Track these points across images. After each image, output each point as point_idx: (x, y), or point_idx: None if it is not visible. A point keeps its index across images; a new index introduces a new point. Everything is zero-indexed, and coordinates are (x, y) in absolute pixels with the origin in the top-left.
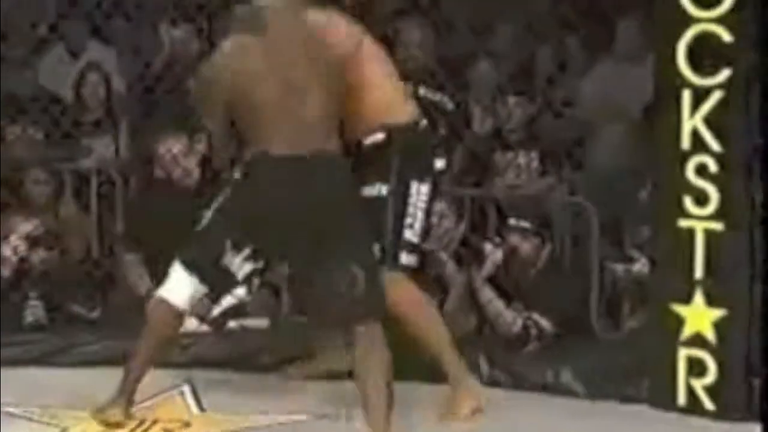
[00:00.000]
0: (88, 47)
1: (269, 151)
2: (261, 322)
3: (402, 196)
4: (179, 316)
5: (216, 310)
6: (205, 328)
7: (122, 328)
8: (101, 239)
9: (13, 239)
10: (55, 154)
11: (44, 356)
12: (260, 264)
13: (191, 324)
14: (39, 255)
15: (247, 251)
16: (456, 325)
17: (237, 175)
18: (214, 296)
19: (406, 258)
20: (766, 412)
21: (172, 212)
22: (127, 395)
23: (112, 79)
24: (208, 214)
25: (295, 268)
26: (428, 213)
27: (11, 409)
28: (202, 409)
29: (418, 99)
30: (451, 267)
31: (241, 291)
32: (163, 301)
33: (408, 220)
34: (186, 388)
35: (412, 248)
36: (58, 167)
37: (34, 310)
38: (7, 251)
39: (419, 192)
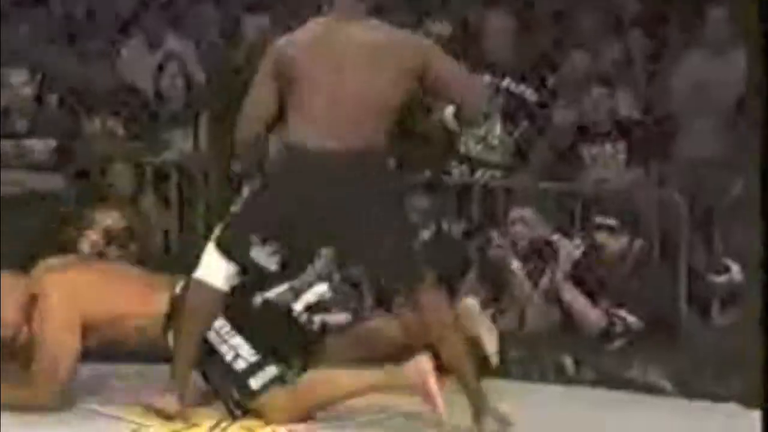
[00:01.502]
0: (166, 39)
1: (306, 144)
2: (341, 318)
3: None
4: (220, 297)
5: (298, 306)
6: None
7: None
8: (181, 233)
9: (92, 234)
10: (134, 147)
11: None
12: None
13: None
14: (115, 251)
15: (273, 248)
16: (539, 321)
17: (268, 166)
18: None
19: None
20: None
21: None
22: (180, 384)
23: (192, 71)
24: (239, 202)
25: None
26: None
27: (95, 406)
28: None
29: (501, 90)
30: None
31: (323, 287)
32: (203, 284)
33: None
34: None
35: None
36: (139, 161)
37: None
38: (85, 246)
39: None
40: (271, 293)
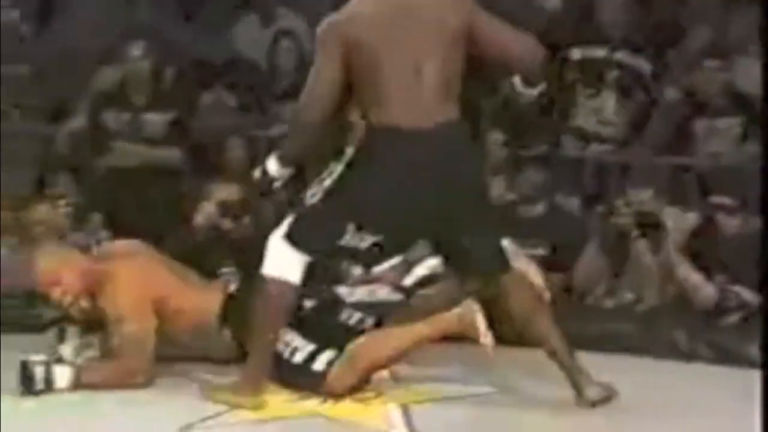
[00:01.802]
0: (278, 15)
1: (400, 125)
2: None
3: None
4: (295, 291)
5: (408, 280)
6: (397, 296)
7: None
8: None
9: (207, 206)
10: (247, 121)
11: None
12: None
13: (383, 292)
14: (229, 223)
15: (369, 235)
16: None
17: (350, 150)
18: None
19: None
20: None
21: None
22: (256, 377)
23: (304, 46)
24: (315, 192)
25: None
26: None
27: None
28: (395, 380)
29: (615, 63)
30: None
31: (434, 261)
32: (276, 281)
33: None
34: None
35: None
36: (253, 134)
37: (227, 278)
38: (200, 218)
39: None
40: (377, 269)
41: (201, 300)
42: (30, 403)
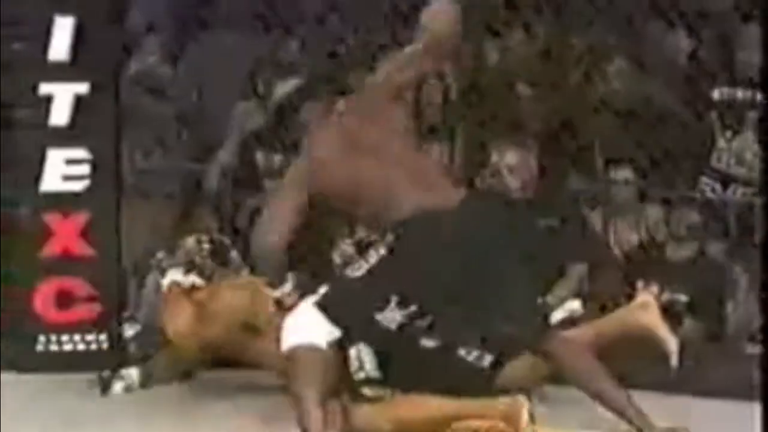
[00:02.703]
0: None
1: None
2: None
3: None
4: (327, 356)
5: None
6: None
7: None
8: None
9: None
10: None
11: None
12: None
13: None
14: None
15: (411, 309)
16: None
17: (390, 235)
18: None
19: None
20: None
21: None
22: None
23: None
24: (360, 267)
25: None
26: None
27: None
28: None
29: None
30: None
31: (576, 304)
32: (306, 348)
33: None
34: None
35: None
36: None
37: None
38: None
39: None
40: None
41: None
42: None
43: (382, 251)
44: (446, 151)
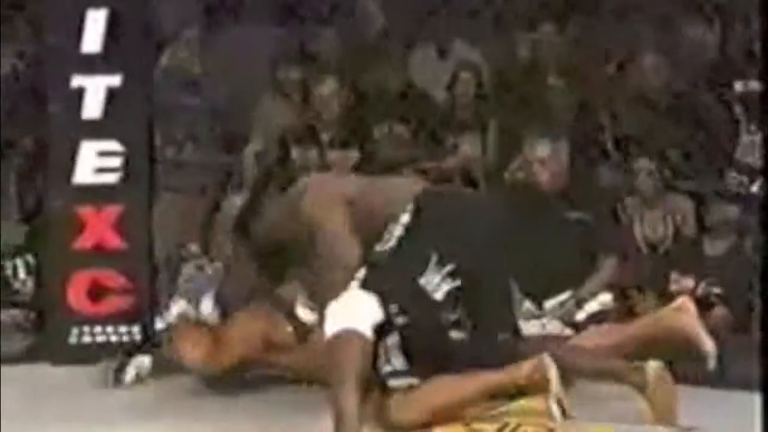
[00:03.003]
0: (455, 46)
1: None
2: None
3: None
4: (370, 345)
5: (580, 315)
6: (568, 331)
7: None
8: None
9: None
10: (420, 153)
11: None
12: (457, 283)
13: (555, 327)
14: None
15: (448, 268)
16: None
17: (408, 207)
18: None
19: None
20: None
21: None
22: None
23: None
24: (394, 233)
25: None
26: None
27: None
28: (565, 416)
29: None
30: None
31: (607, 297)
32: (351, 333)
33: None
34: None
35: None
36: (424, 166)
37: None
38: None
39: None
40: (548, 304)
41: None
42: None
43: (404, 220)
44: (478, 144)
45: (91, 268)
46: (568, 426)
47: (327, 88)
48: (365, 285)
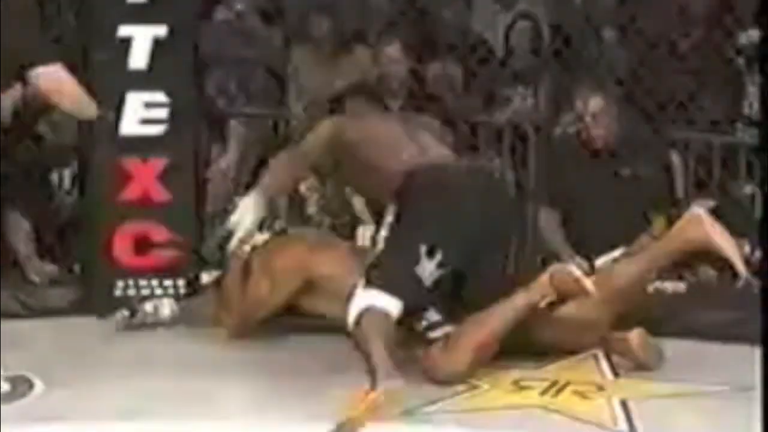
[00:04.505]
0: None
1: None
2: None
3: None
4: (391, 322)
5: None
6: None
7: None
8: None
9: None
10: (471, 102)
11: None
12: (447, 270)
13: None
14: None
15: (438, 257)
16: None
17: (395, 200)
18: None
19: None
20: None
21: (587, 171)
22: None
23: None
24: (387, 223)
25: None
26: None
27: None
28: (616, 374)
29: None
30: None
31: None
32: (376, 309)
33: None
34: (600, 352)
35: None
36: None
37: None
38: None
39: None
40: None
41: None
42: None
43: (393, 210)
44: (531, 96)
45: (137, 221)
46: (617, 382)
47: (394, 51)
48: (369, 281)
